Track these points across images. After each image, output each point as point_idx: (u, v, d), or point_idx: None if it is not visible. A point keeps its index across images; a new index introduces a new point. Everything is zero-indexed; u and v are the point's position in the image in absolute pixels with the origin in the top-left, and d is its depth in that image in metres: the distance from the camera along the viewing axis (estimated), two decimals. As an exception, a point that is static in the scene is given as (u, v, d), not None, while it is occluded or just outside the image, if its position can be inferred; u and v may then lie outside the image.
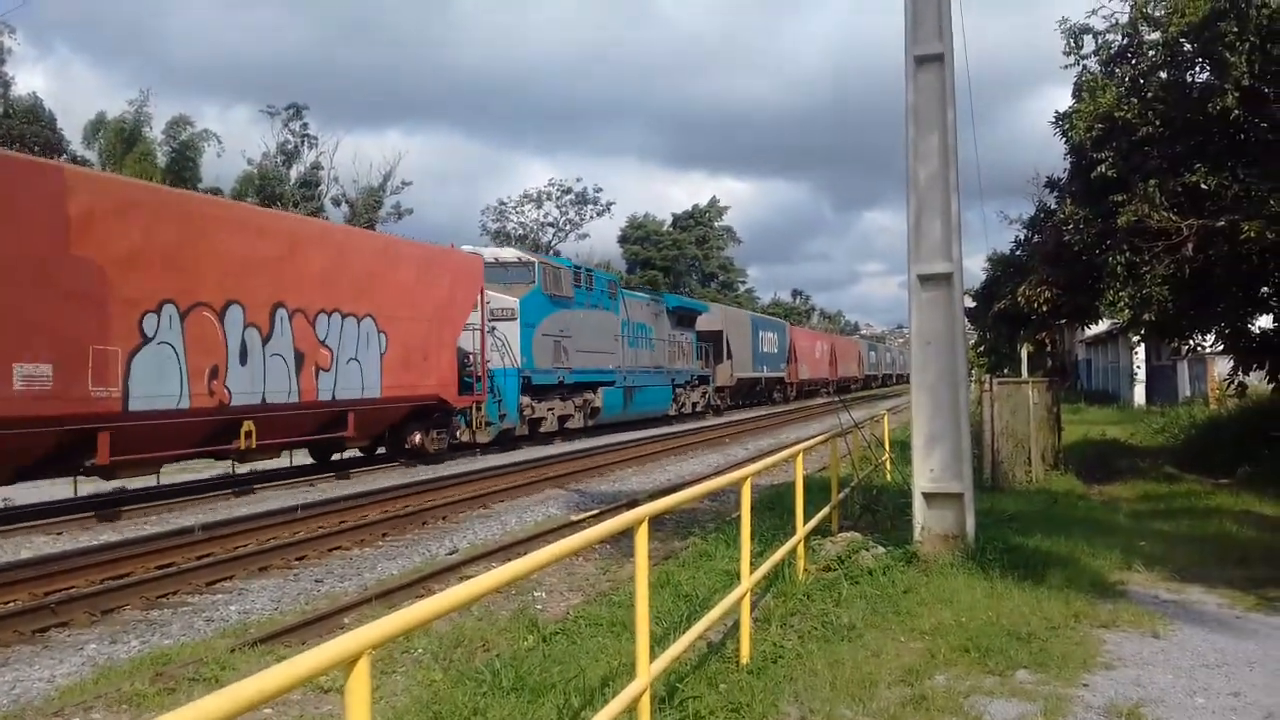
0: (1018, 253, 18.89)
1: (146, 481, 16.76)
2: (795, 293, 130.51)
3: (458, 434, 23.45)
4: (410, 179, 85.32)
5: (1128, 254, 14.14)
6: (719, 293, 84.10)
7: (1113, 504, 14.12)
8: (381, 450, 22.46)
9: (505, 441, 25.46)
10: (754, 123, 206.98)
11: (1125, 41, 14.69)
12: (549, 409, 27.37)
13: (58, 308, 13.03)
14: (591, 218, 74.70)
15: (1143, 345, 32.86)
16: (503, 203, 75.58)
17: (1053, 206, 17.66)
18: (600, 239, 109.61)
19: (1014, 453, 15.68)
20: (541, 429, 27.17)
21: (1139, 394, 37.99)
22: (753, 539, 6.83)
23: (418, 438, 21.55)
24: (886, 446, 16.93)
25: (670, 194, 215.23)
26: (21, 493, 15.65)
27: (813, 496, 9.96)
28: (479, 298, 23.38)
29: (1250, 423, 18.67)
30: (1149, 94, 14.07)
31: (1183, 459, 18.83)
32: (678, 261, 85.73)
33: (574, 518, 13.59)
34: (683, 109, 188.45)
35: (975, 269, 67.30)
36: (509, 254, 28.35)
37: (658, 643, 5.71)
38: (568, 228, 74.05)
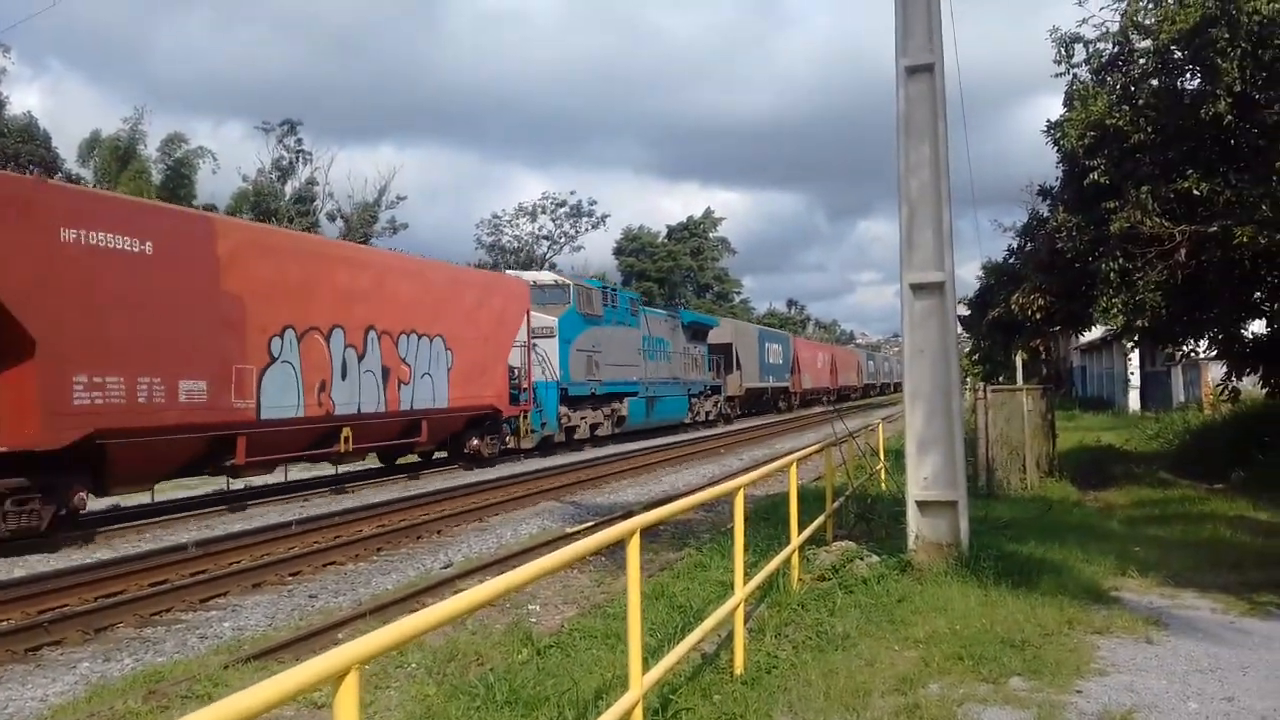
0: (1011, 261, 18.93)
1: (141, 499, 16.73)
2: (790, 303, 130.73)
3: (506, 440, 25.81)
4: (404, 193, 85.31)
5: (1121, 260, 14.18)
6: (714, 304, 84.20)
7: (1107, 510, 14.14)
8: (441, 454, 24.60)
9: (545, 447, 27.99)
10: (747, 134, 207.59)
11: (1116, 50, 14.75)
12: (582, 418, 29.99)
13: (210, 334, 15.56)
14: (586, 230, 74.84)
15: (1137, 351, 32.90)
16: (497, 216, 75.63)
17: (1045, 214, 17.71)
18: (595, 251, 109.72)
19: (1009, 460, 15.69)
20: (575, 436, 29.67)
21: (1133, 400, 38.02)
22: (747, 549, 6.84)
23: (475, 442, 24.03)
24: (881, 455, 16.93)
25: (664, 206, 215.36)
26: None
27: (808, 506, 9.98)
28: (525, 318, 25.99)
29: (1244, 428, 18.68)
30: (1140, 101, 14.12)
31: (1177, 464, 18.85)
32: (673, 273, 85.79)
33: (569, 530, 13.57)
34: (676, 121, 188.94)
35: (969, 277, 67.37)
36: (547, 277, 31.25)
37: (652, 654, 5.71)
38: (562, 240, 74.15)
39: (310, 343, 17.91)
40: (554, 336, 27.90)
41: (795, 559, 8.64)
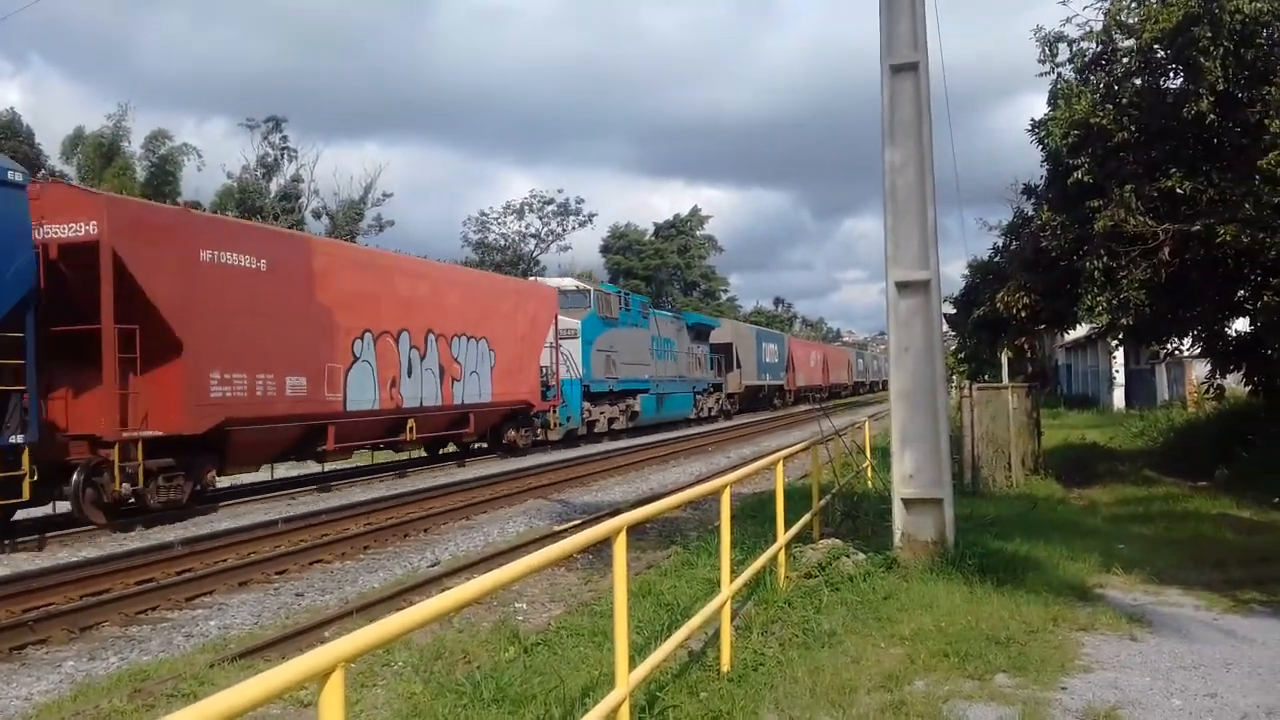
0: (996, 259, 18.99)
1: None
2: (777, 300, 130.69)
3: (537, 432, 28.57)
4: (391, 191, 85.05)
5: (1105, 259, 14.25)
6: (701, 302, 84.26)
7: (1092, 508, 14.20)
8: (481, 445, 27.38)
9: (569, 439, 30.51)
10: (734, 132, 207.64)
11: (1099, 49, 14.81)
12: (601, 412, 32.81)
13: (309, 337, 18.24)
14: (574, 228, 74.66)
15: (1121, 349, 33.07)
16: (484, 214, 75.47)
17: (1030, 213, 17.77)
18: (582, 249, 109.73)
19: (994, 458, 15.76)
20: (595, 429, 32.40)
21: (1118, 398, 38.21)
22: (734, 547, 6.85)
23: (511, 434, 26.92)
24: (868, 453, 16.98)
25: (651, 203, 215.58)
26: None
27: (794, 504, 9.99)
28: (554, 321, 28.79)
29: (1228, 425, 18.80)
30: (1124, 100, 14.19)
31: (1161, 462, 18.95)
32: (660, 271, 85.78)
33: (556, 528, 13.57)
34: (662, 118, 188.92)
35: (955, 275, 67.67)
36: (569, 283, 33.99)
37: (638, 652, 5.72)
38: (549, 238, 74.00)
39: (383, 344, 20.64)
40: (577, 338, 30.52)
41: (782, 556, 8.66)
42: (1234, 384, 18.84)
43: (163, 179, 48.59)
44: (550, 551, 4.12)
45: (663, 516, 11.72)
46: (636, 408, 35.09)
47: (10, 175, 13.09)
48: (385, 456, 25.32)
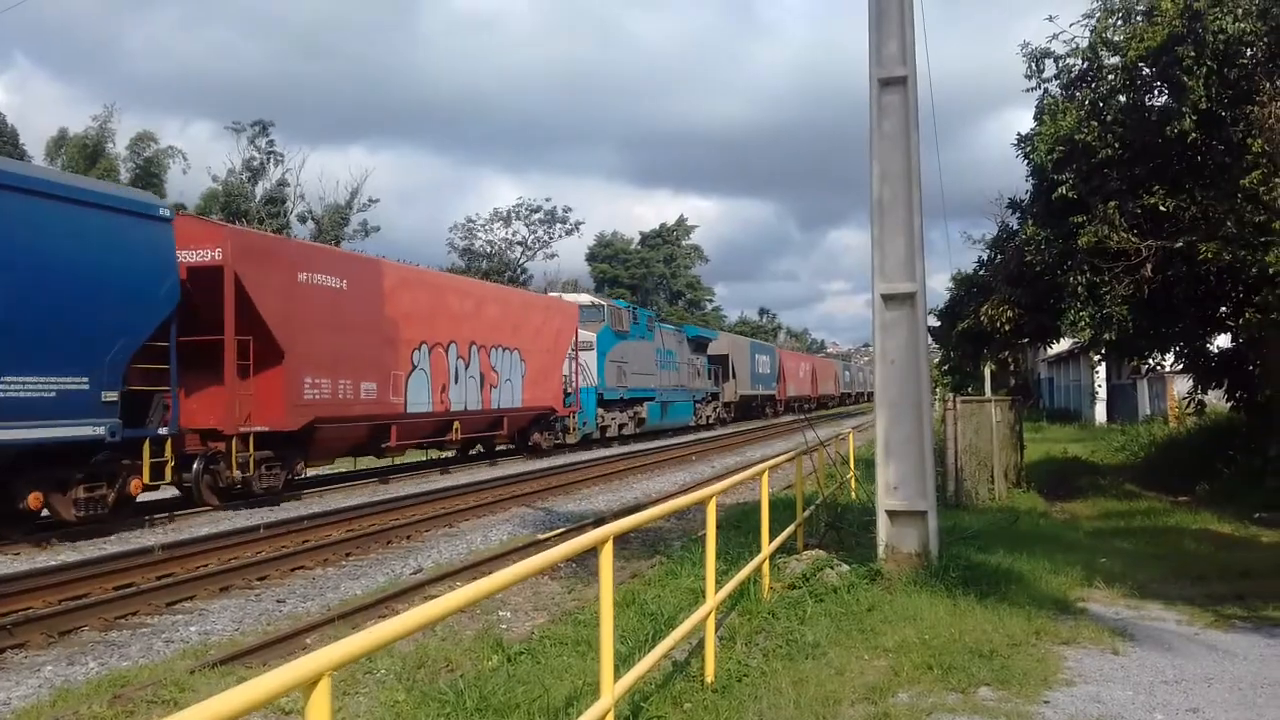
0: (981, 273, 19.08)
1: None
2: (762, 311, 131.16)
3: (558, 436, 30.90)
4: (377, 196, 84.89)
5: (1088, 274, 14.34)
6: (686, 311, 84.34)
7: (1074, 521, 14.28)
8: (502, 447, 29.51)
9: (586, 443, 32.98)
10: (720, 141, 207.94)
11: (1085, 66, 14.94)
12: (613, 418, 35.15)
13: (378, 347, 20.73)
14: (560, 236, 74.66)
15: (1103, 364, 33.25)
16: (470, 220, 75.41)
17: (1015, 227, 17.87)
18: (568, 257, 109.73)
19: (977, 470, 15.81)
20: (607, 434, 34.74)
21: (1100, 412, 38.40)
22: (718, 557, 6.85)
23: (537, 437, 29.36)
24: (851, 464, 17.01)
25: (637, 212, 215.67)
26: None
27: (778, 514, 10.00)
28: (574, 334, 31.23)
29: (1208, 441, 18.92)
30: (1108, 117, 14.30)
31: (1142, 477, 19.07)
32: (646, 280, 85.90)
33: (540, 536, 13.54)
34: (650, 128, 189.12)
35: (939, 288, 68.24)
36: (585, 299, 36.65)
37: (623, 662, 5.71)
38: (536, 246, 73.97)
39: (436, 354, 23.08)
40: (593, 349, 32.89)
41: (766, 567, 8.67)
42: (1215, 400, 18.96)
43: (147, 181, 48.35)
44: (537, 560, 4.11)
45: (646, 526, 11.71)
46: (644, 414, 37.55)
47: (162, 211, 15.38)
48: (415, 455, 27.01)
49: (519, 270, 71.05)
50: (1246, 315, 13.81)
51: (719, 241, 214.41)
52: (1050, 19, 15.05)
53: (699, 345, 46.58)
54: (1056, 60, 15.14)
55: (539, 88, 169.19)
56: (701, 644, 6.51)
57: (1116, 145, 14.16)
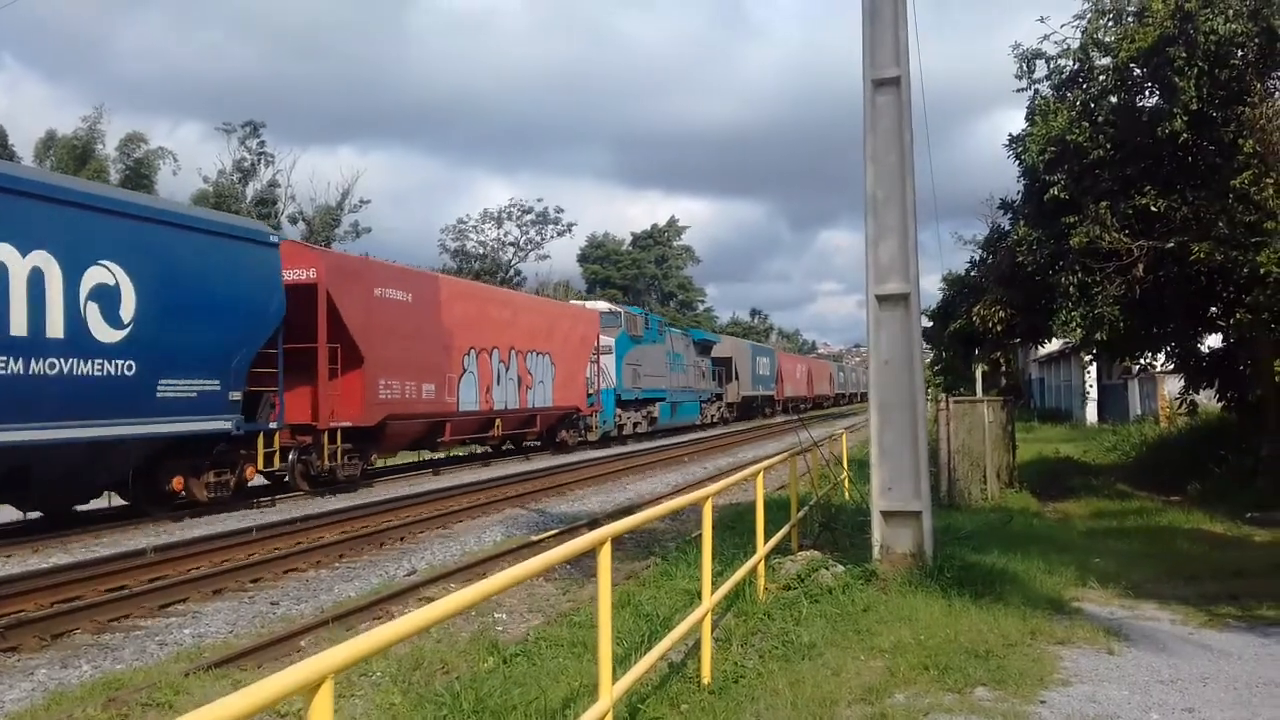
0: (972, 273, 19.13)
1: (98, 502, 16.49)
2: (754, 312, 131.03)
3: (582, 433, 33.34)
4: (368, 197, 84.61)
5: (1080, 275, 14.38)
6: (678, 312, 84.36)
7: (1067, 521, 14.31)
8: (528, 443, 31.72)
9: (605, 440, 35.41)
10: (712, 142, 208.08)
11: (1076, 66, 14.98)
12: (629, 418, 37.57)
13: (436, 353, 23.29)
14: (552, 237, 74.50)
15: (1094, 364, 33.33)
16: (462, 221, 75.24)
17: (1007, 228, 17.92)
18: (560, 258, 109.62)
19: (970, 471, 15.84)
20: (623, 432, 37.19)
21: (1091, 412, 38.49)
22: (713, 558, 6.84)
23: (564, 434, 31.90)
24: (844, 465, 17.02)
25: (628, 213, 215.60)
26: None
27: (772, 515, 9.99)
28: (596, 339, 33.71)
29: (1200, 441, 19.00)
30: (1100, 118, 14.35)
31: (1134, 476, 19.12)
32: (637, 280, 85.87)
33: (534, 538, 13.53)
34: (641, 128, 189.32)
35: (930, 289, 68.44)
36: (603, 306, 38.59)
37: (619, 663, 5.70)
38: (528, 247, 73.83)
39: (482, 359, 25.76)
40: (612, 353, 35.33)
41: (761, 568, 8.66)
42: (1206, 400, 19.02)
43: (137, 183, 48.16)
44: (538, 561, 4.10)
45: (641, 528, 11.70)
46: (655, 414, 40.18)
47: (271, 239, 17.80)
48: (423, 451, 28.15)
49: (511, 271, 70.94)
50: (1237, 315, 13.86)
51: (710, 242, 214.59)
52: (1041, 20, 15.12)
53: (704, 348, 48.66)
54: (1048, 61, 15.18)
55: (531, 88, 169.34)
56: (698, 645, 6.50)
57: (1108, 146, 14.20)
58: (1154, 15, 13.33)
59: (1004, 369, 31.19)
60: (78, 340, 13.48)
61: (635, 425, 38.18)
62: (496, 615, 9.35)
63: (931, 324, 21.93)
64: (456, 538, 14.24)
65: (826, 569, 9.23)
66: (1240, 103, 13.06)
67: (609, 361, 35.06)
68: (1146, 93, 14.82)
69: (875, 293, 9.57)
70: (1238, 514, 13.73)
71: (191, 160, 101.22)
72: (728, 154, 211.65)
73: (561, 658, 7.07)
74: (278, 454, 17.92)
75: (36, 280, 12.97)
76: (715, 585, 6.77)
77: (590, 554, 4.63)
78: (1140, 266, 14.01)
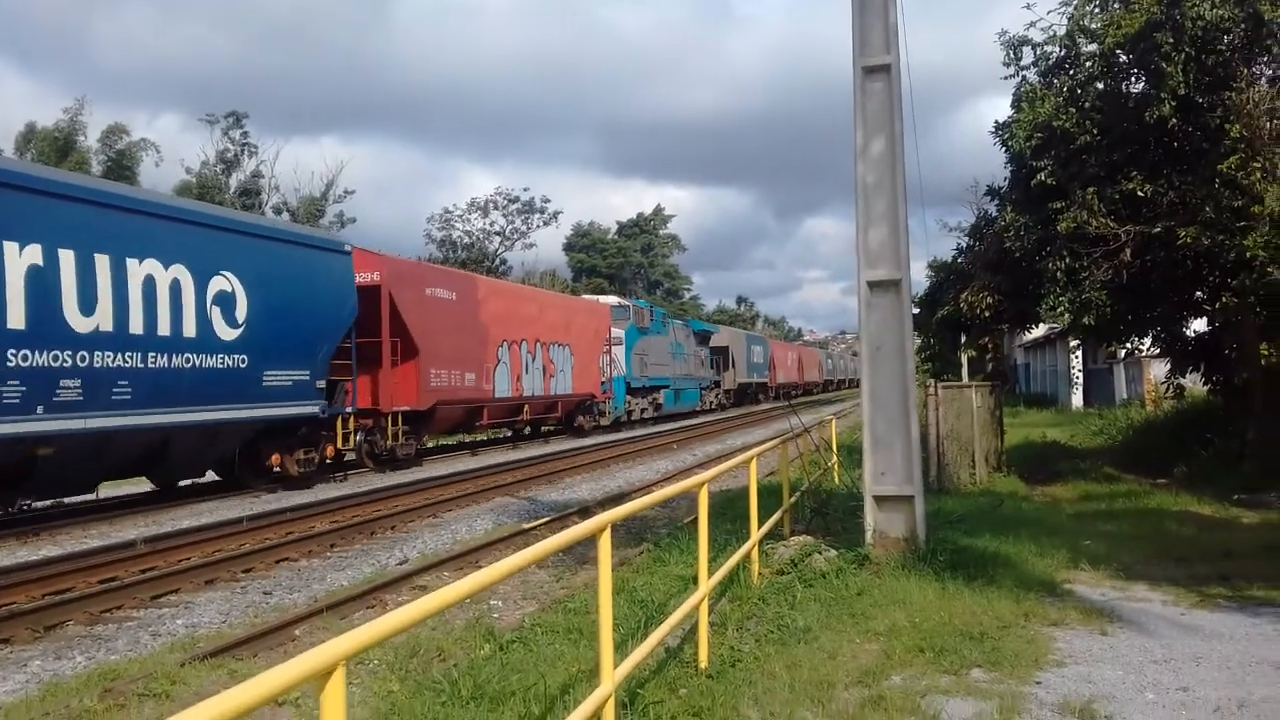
0: (960, 260, 19.17)
1: (86, 495, 16.42)
2: (740, 299, 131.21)
3: (596, 419, 35.89)
4: (353, 188, 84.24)
5: (1067, 260, 14.44)
6: (664, 300, 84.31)
7: (1056, 504, 14.39)
8: (547, 428, 34.60)
9: (616, 425, 37.85)
10: (697, 131, 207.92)
11: (1063, 53, 15.02)
12: (637, 404, 40.18)
13: (476, 346, 26.23)
14: (538, 227, 74.34)
15: (1080, 349, 33.49)
16: (448, 211, 74.95)
17: (994, 214, 17.96)
18: (546, 246, 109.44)
19: (959, 455, 15.90)
20: (632, 418, 39.68)
21: (1077, 397, 38.66)
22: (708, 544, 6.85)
23: (581, 419, 34.69)
24: (834, 450, 17.07)
25: (613, 202, 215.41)
26: None
27: (763, 500, 10.02)
28: (608, 331, 36.58)
29: (1186, 424, 19.11)
30: (1086, 104, 14.38)
31: (1121, 460, 19.23)
32: (623, 269, 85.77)
33: (525, 526, 13.53)
34: (626, 117, 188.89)
35: (917, 277, 68.57)
36: (613, 300, 41.79)
37: (617, 649, 5.71)
38: (514, 236, 73.63)
39: (512, 350, 28.62)
40: (622, 344, 37.93)
41: (755, 553, 8.69)
42: (1193, 383, 19.14)
43: (119, 174, 47.85)
44: (539, 548, 4.11)
45: (635, 515, 11.73)
46: (660, 400, 42.90)
47: (345, 247, 20.43)
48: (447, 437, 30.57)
49: (497, 261, 70.76)
50: (1224, 299, 13.94)
51: (696, 231, 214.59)
52: (1028, 7, 15.14)
53: (703, 338, 51.58)
54: (1034, 48, 15.21)
55: (515, 77, 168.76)
56: (694, 630, 6.53)
57: (1095, 131, 14.25)
58: (1140, 1, 13.35)
59: (993, 354, 31.32)
60: (206, 338, 16.03)
61: (643, 411, 40.81)
62: (491, 602, 9.35)
63: (919, 310, 22.00)
64: (447, 526, 14.20)
65: (820, 553, 9.27)
66: (1226, 88, 13.10)
67: (619, 352, 37.69)
68: (1133, 79, 14.86)
69: (866, 279, 9.60)
70: (1225, 496, 13.83)
71: (174, 151, 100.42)
72: (713, 143, 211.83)
73: (558, 644, 7.09)
74: (350, 435, 20.60)
75: (175, 290, 15.47)
76: (710, 570, 6.80)
77: (585, 541, 4.64)
78: (1127, 251, 14.08)
